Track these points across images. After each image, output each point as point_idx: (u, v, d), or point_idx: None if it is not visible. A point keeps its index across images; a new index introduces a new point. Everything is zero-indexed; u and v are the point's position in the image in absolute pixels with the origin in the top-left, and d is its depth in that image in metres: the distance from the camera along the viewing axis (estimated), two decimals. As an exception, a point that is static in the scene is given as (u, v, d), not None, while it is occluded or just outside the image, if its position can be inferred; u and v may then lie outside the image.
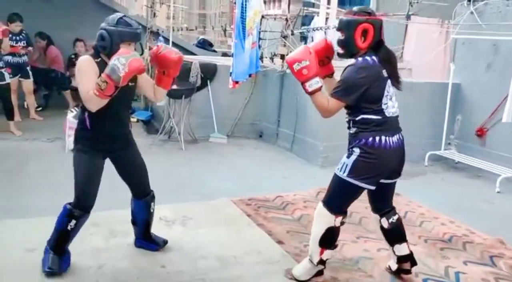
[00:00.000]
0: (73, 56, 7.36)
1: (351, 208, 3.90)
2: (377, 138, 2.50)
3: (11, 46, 5.88)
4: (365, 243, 3.31)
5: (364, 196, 4.38)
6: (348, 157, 2.55)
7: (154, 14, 7.28)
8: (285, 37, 6.04)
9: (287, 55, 6.07)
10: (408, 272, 2.80)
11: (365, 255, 3.11)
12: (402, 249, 2.75)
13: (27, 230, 3.16)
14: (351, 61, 2.60)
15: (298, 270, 2.76)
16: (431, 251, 3.24)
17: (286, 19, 6.06)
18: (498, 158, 5.21)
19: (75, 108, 5.80)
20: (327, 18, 7.37)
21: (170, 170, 4.92)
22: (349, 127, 2.62)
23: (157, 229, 3.30)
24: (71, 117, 5.31)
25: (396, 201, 4.25)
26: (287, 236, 3.35)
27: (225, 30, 7.48)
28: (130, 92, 2.70)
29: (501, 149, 5.23)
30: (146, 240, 2.99)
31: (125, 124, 2.76)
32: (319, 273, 2.76)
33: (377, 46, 2.54)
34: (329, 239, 2.63)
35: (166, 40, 7.23)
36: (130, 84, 2.56)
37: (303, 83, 2.51)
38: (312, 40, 8.30)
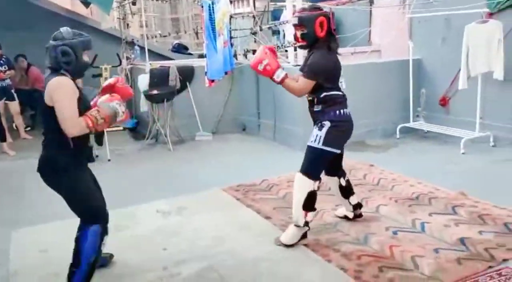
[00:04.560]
0: (54, 74, 7.63)
1: (331, 182, 4.33)
2: (343, 111, 3.07)
3: (-7, 71, 6.15)
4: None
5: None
6: (320, 129, 3.02)
7: (128, 25, 7.57)
8: (254, 33, 6.40)
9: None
10: (361, 215, 3.45)
11: (342, 218, 3.50)
12: (354, 199, 3.42)
13: (36, 235, 3.50)
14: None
15: (286, 237, 3.14)
16: (401, 208, 3.64)
17: (253, 17, 6.42)
18: (461, 123, 5.66)
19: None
20: (294, 11, 7.75)
21: (161, 169, 5.28)
22: (312, 106, 3.10)
23: (154, 221, 3.68)
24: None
25: (370, 171, 4.70)
26: (274, 212, 3.73)
27: (196, 33, 7.82)
28: None
29: (463, 114, 5.69)
30: None
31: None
32: (304, 236, 3.16)
33: (331, 35, 3.06)
34: (310, 202, 3.07)
35: (142, 49, 7.54)
36: None
37: (271, 77, 3.00)
38: (284, 34, 8.69)
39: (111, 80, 2.83)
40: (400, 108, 6.22)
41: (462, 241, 3.01)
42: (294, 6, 7.54)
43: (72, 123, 2.40)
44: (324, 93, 3.03)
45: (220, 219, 3.65)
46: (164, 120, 6.29)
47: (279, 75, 2.97)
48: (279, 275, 2.77)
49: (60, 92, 2.42)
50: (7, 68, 6.51)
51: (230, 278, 2.76)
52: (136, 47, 7.98)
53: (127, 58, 7.68)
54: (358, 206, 3.43)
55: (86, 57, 2.57)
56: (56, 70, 2.50)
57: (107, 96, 2.60)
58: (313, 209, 3.12)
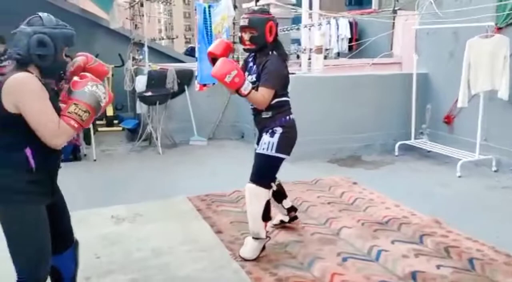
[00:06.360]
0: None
1: (303, 197, 4.17)
2: (291, 116, 2.99)
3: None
4: (302, 229, 3.44)
5: (317, 186, 4.53)
6: (272, 136, 2.91)
7: (136, 26, 7.57)
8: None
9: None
10: (296, 218, 3.44)
11: (297, 239, 3.25)
12: (287, 202, 3.39)
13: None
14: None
15: (247, 251, 2.97)
16: (364, 232, 3.34)
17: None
18: (464, 144, 5.24)
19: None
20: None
21: (142, 172, 5.16)
22: (260, 113, 2.94)
23: (104, 227, 3.54)
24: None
25: (350, 189, 4.40)
26: (229, 226, 3.51)
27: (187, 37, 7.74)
28: None
29: (466, 134, 5.26)
30: None
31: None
32: (263, 248, 3.02)
33: (277, 41, 2.96)
34: (267, 212, 3.01)
35: (152, 50, 7.51)
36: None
37: (238, 90, 2.71)
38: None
39: (79, 61, 2.21)
40: (402, 124, 5.84)
41: (413, 275, 2.69)
42: (309, 14, 7.38)
43: (54, 131, 1.86)
44: (276, 99, 2.90)
45: (170, 230, 3.47)
46: (157, 122, 6.20)
47: (246, 87, 2.72)
48: (200, 297, 2.57)
49: (27, 93, 1.84)
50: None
51: (148, 295, 2.58)
52: (145, 48, 7.98)
53: (134, 58, 7.68)
54: (292, 209, 3.40)
55: (64, 56, 2.01)
56: (23, 63, 1.90)
57: (75, 81, 1.99)
58: (270, 218, 3.11)
